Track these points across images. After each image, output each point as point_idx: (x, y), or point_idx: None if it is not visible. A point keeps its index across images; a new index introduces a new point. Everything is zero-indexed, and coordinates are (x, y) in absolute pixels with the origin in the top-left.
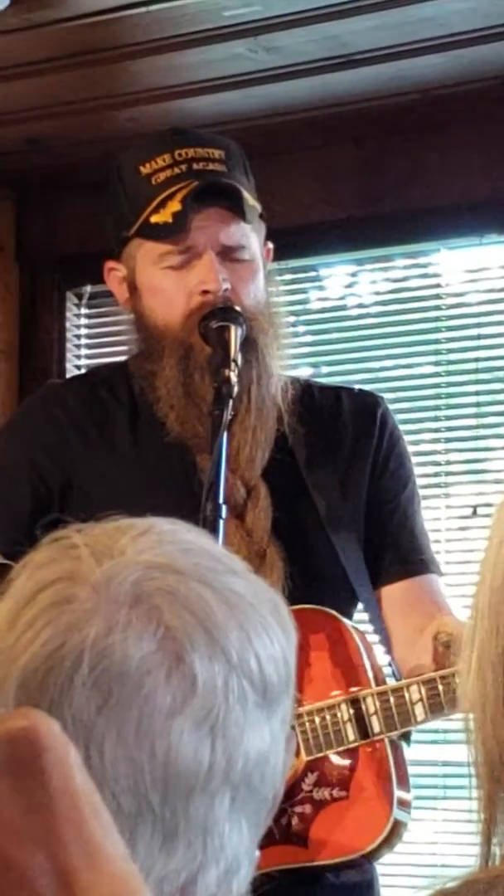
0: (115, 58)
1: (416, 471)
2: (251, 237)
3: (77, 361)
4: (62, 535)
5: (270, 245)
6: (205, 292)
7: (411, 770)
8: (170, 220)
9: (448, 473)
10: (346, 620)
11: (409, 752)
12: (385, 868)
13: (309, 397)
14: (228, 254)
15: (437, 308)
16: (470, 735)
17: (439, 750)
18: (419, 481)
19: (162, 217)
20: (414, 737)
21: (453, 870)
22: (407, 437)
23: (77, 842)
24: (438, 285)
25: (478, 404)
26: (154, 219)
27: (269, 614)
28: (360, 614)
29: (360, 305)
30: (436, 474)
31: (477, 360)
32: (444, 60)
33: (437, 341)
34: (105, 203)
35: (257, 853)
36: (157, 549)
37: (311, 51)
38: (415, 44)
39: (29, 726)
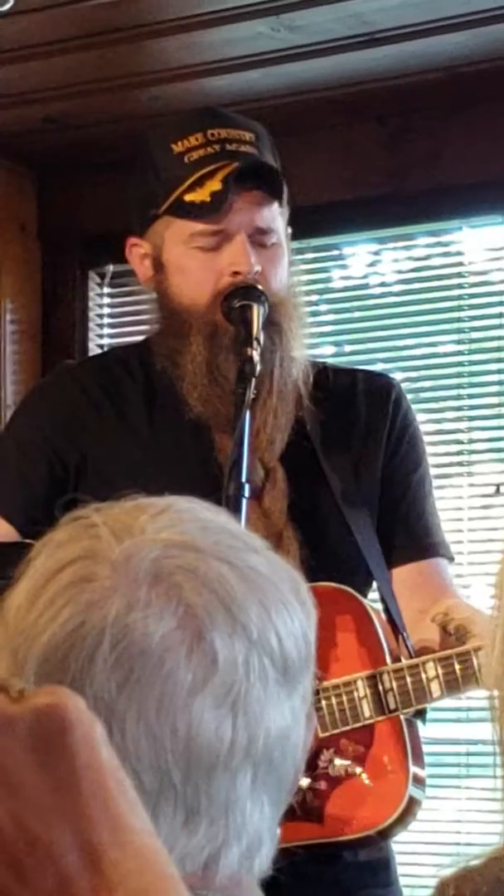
0: (137, 36)
1: (439, 449)
2: (279, 220)
3: (99, 341)
4: (81, 515)
5: (290, 229)
6: (235, 273)
7: (434, 749)
8: (207, 199)
9: (471, 452)
10: (364, 599)
11: (433, 730)
12: (408, 847)
13: (324, 380)
14: (258, 237)
15: (460, 286)
16: (495, 713)
17: (463, 728)
18: (441, 460)
19: (199, 196)
20: (437, 715)
21: (476, 849)
22: (429, 416)
23: (103, 818)
24: (461, 263)
25: (501, 382)
26: (189, 197)
27: (289, 592)
28: (373, 594)
29: (383, 284)
30: (458, 453)
31: (500, 338)
32: (468, 38)
33: (459, 319)
34: (132, 180)
35: (278, 831)
36: (176, 528)
37: (334, 29)
38: (438, 21)
39: (55, 703)
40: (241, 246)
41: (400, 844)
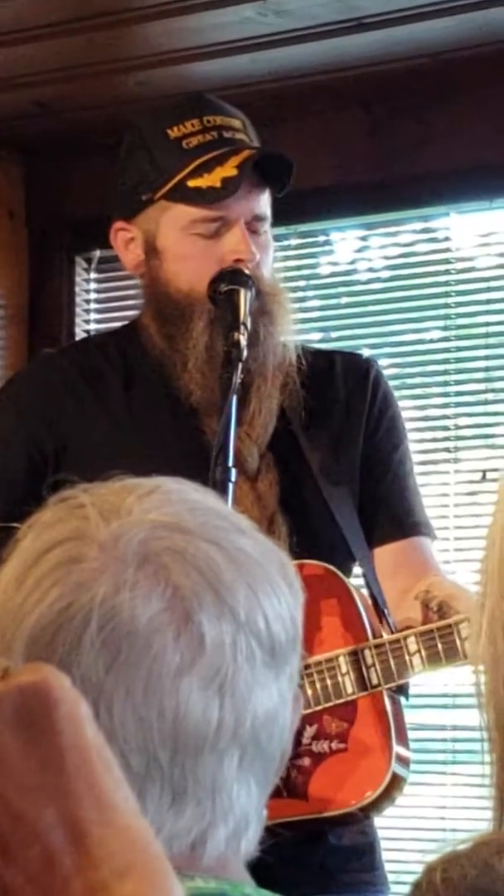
0: (124, 21)
1: (426, 435)
2: (268, 210)
3: (86, 326)
4: (69, 495)
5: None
6: (237, 261)
7: (420, 734)
8: (218, 184)
9: (457, 438)
10: (346, 578)
11: (418, 716)
12: (394, 832)
13: (302, 362)
14: (254, 225)
15: (447, 273)
16: (481, 698)
17: (448, 714)
18: (428, 446)
19: (207, 181)
20: (423, 701)
21: (462, 835)
22: (415, 402)
23: (88, 796)
24: (448, 250)
25: (487, 369)
26: (194, 183)
27: (277, 573)
28: (356, 578)
29: (370, 270)
30: (445, 439)
31: (487, 324)
32: (455, 24)
33: (446, 305)
34: (119, 164)
35: (265, 812)
36: (164, 509)
37: (321, 14)
38: (425, 7)
39: (40, 680)
40: (241, 233)
41: (385, 830)
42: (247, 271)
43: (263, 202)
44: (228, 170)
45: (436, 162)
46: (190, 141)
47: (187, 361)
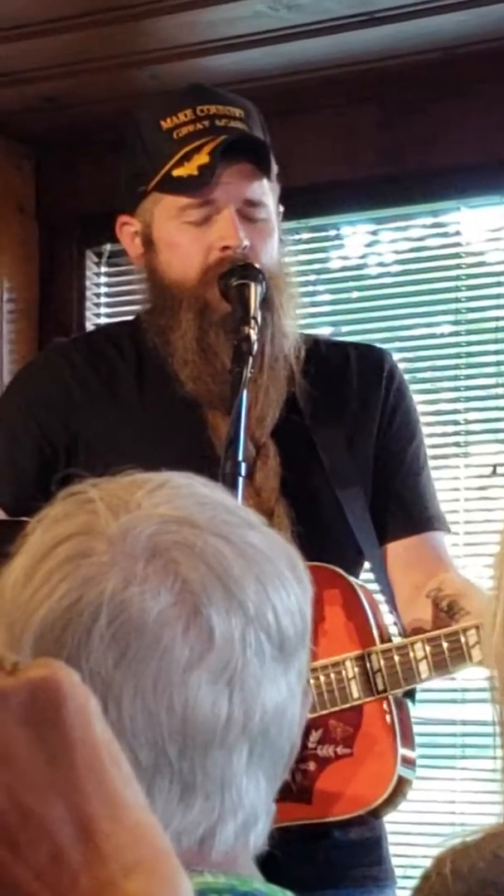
0: (136, 15)
1: (436, 430)
2: (269, 196)
3: (96, 320)
4: (78, 490)
5: (281, 207)
6: (225, 248)
7: (430, 729)
8: (195, 172)
9: (468, 433)
10: (351, 578)
11: (427, 711)
12: (403, 827)
13: (316, 355)
14: (248, 211)
15: (458, 267)
16: (495, 693)
17: (458, 709)
18: (438, 440)
19: (186, 170)
20: (432, 696)
21: (472, 829)
22: (426, 397)
23: (97, 792)
24: (459, 244)
25: (498, 363)
26: (177, 172)
27: (286, 567)
28: (367, 573)
29: (380, 264)
30: (455, 433)
31: (497, 318)
32: (467, 18)
33: (456, 300)
34: (121, 158)
35: (274, 807)
36: (173, 503)
37: (333, 8)
38: (437, 1)
39: (49, 676)
40: (229, 220)
41: (394, 825)
42: (258, 265)
43: (255, 187)
44: (203, 157)
45: (447, 156)
46: (180, 131)
47: (177, 353)
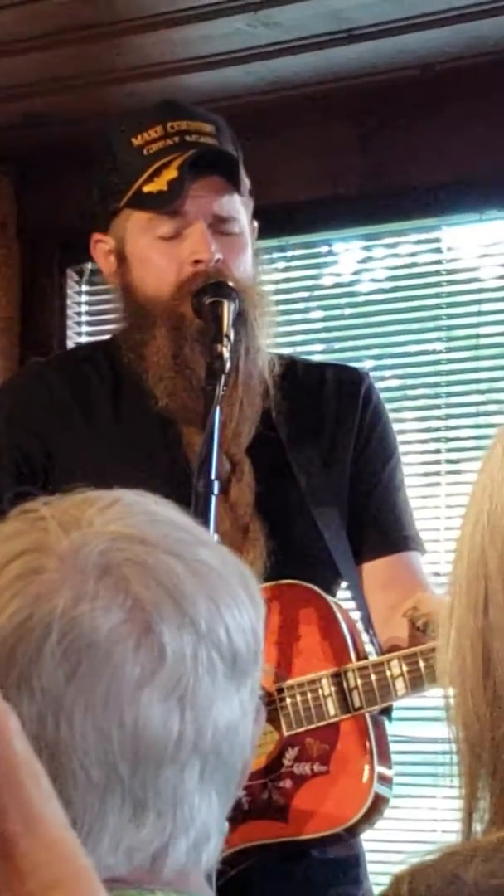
0: (114, 33)
1: (420, 448)
2: (241, 211)
3: (77, 339)
4: (29, 508)
5: (256, 223)
6: (196, 262)
7: (411, 747)
8: (165, 188)
9: (449, 450)
10: (328, 596)
11: (410, 729)
12: (383, 845)
13: (293, 374)
14: (219, 225)
15: (439, 284)
16: (450, 712)
17: (439, 727)
18: (423, 458)
19: (156, 186)
20: (416, 714)
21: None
22: (411, 414)
23: (16, 809)
24: (440, 262)
25: (479, 381)
26: (147, 188)
27: (238, 585)
28: (344, 592)
29: (362, 283)
30: (437, 451)
31: (478, 336)
32: (446, 35)
33: (438, 318)
34: (94, 175)
35: (226, 825)
36: (124, 521)
37: (312, 25)
38: (416, 18)
39: None
40: (200, 234)
41: (373, 843)
42: (231, 283)
43: (226, 202)
44: (172, 172)
45: (426, 174)
46: (151, 147)
47: (151, 369)
